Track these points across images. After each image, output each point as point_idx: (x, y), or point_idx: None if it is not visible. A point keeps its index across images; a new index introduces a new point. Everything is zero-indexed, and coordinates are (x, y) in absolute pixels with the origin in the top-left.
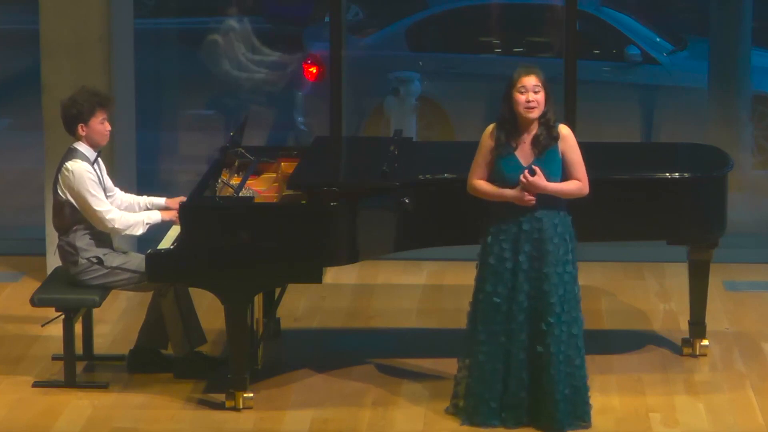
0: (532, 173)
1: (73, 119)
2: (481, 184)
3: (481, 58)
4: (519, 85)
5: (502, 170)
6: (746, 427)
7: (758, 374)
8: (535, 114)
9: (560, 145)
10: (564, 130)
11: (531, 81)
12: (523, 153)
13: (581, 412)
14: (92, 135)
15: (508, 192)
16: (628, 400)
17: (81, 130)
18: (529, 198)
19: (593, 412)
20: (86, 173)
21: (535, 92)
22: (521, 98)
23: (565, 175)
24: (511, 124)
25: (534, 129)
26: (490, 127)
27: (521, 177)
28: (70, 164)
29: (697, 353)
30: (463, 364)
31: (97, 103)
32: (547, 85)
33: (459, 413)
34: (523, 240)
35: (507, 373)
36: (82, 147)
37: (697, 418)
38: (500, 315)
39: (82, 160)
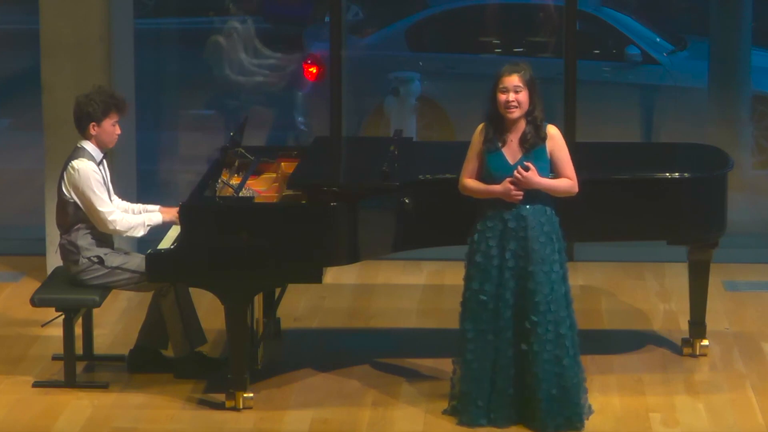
0: (526, 169)
1: (87, 117)
2: (470, 182)
3: (481, 58)
4: (500, 85)
5: (489, 167)
6: (746, 427)
7: (758, 374)
8: (515, 114)
9: (548, 144)
10: (552, 129)
11: (512, 81)
12: (511, 150)
13: (571, 413)
14: (102, 136)
15: (496, 188)
16: (628, 400)
17: (92, 129)
18: (516, 193)
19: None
20: (92, 173)
21: (516, 92)
22: (502, 98)
23: (554, 175)
24: (498, 121)
25: (521, 127)
26: (480, 126)
27: (515, 173)
28: (76, 163)
29: (697, 353)
30: (457, 365)
31: (113, 105)
32: (533, 84)
33: (455, 414)
34: (509, 237)
35: (495, 370)
36: (89, 147)
37: (697, 418)
38: (487, 313)
39: (89, 159)
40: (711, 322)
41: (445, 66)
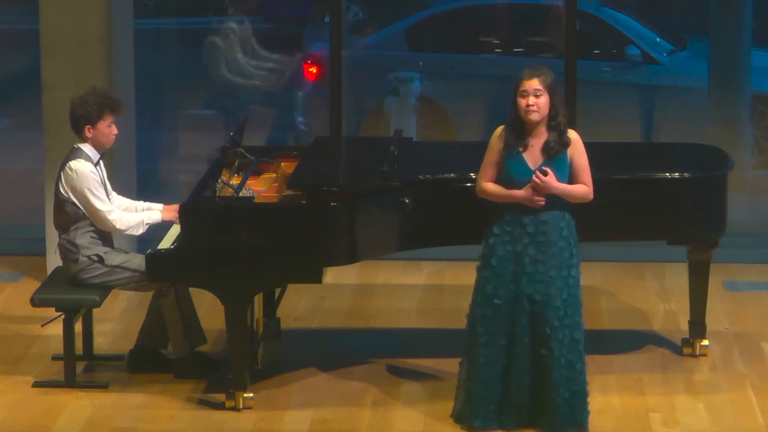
0: (544, 174)
1: (81, 120)
2: (489, 186)
3: (481, 58)
4: (521, 89)
5: (510, 172)
6: (746, 427)
7: (758, 374)
8: (535, 117)
9: (569, 149)
10: (573, 135)
11: (532, 85)
12: (532, 155)
13: (580, 417)
14: (98, 137)
15: (519, 192)
16: (628, 400)
17: (87, 132)
18: (539, 199)
19: (593, 412)
20: (89, 173)
21: (536, 96)
22: (522, 102)
23: (571, 179)
24: (519, 126)
25: (542, 131)
26: (499, 129)
27: (534, 177)
28: (73, 163)
29: (697, 353)
30: (463, 367)
31: (107, 107)
32: (554, 89)
33: (461, 418)
34: (527, 242)
35: (508, 375)
36: (86, 148)
37: (697, 418)
38: (501, 317)
39: (86, 160)
40: (711, 322)
41: (445, 66)
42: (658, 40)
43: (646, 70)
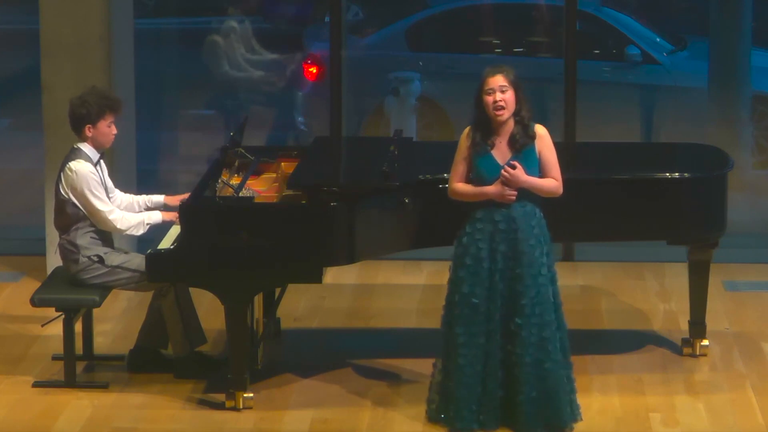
0: (513, 168)
1: (81, 119)
2: (460, 186)
3: (481, 58)
4: (486, 87)
5: (480, 170)
6: (746, 427)
7: (758, 374)
8: (504, 115)
9: (537, 144)
10: (540, 129)
11: (497, 81)
12: (500, 152)
13: (553, 418)
14: (98, 137)
15: (489, 189)
16: (628, 400)
17: (88, 131)
18: (510, 193)
19: (593, 413)
20: (89, 174)
21: (503, 92)
22: (489, 100)
23: (541, 174)
24: (485, 124)
25: (509, 128)
26: (467, 129)
27: (502, 171)
28: (73, 164)
29: (697, 353)
30: (438, 368)
31: (107, 106)
32: (518, 83)
33: (439, 420)
34: (499, 239)
35: (485, 373)
36: (86, 148)
37: (697, 418)
38: (479, 316)
39: (86, 160)
40: (711, 322)
41: (445, 66)
42: (658, 40)
43: (646, 70)
